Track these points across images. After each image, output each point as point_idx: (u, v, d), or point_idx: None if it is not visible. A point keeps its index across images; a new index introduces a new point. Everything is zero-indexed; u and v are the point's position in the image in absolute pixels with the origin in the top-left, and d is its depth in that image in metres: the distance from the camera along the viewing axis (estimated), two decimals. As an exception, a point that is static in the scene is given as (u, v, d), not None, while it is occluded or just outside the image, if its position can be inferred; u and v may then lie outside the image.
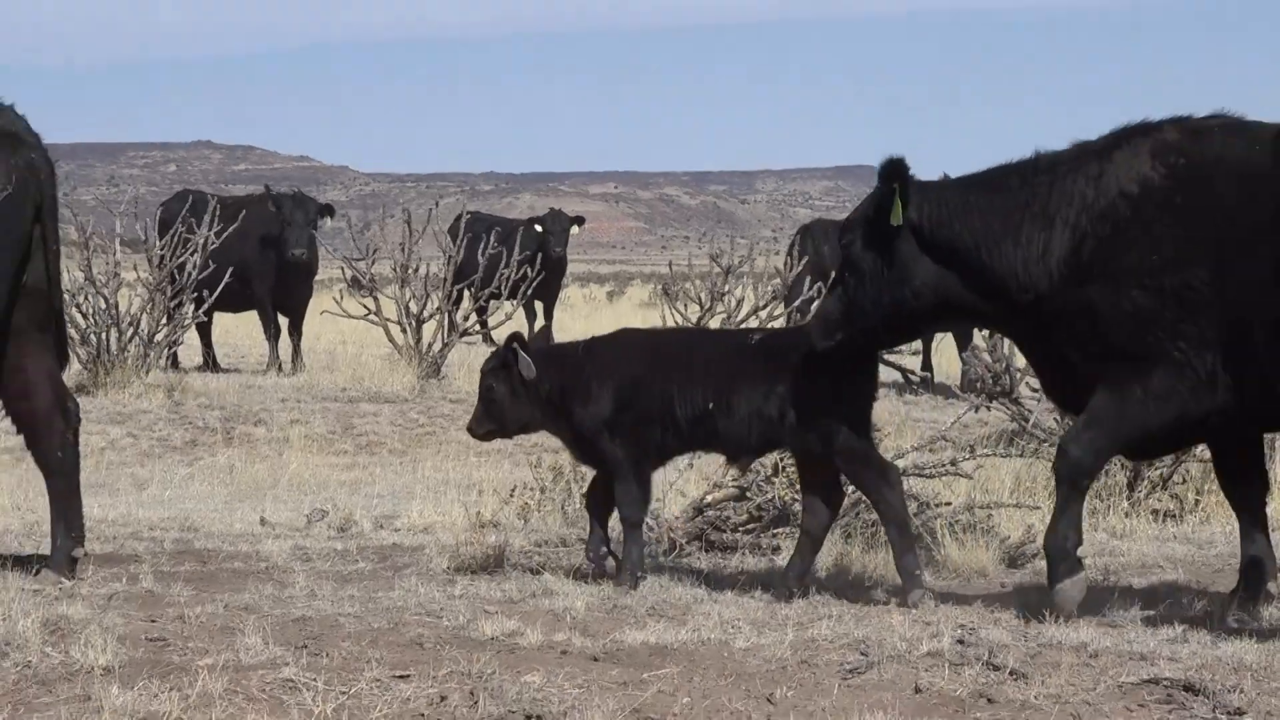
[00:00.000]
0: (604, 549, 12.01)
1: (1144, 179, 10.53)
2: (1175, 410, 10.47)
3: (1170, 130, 10.68)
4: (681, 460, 15.47)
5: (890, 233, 10.78)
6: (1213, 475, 15.04)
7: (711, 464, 13.79)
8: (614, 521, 11.70)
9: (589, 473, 14.41)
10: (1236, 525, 11.33)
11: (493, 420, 12.21)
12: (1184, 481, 15.07)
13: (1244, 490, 11.19)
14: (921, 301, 10.89)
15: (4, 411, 12.06)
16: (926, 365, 27.53)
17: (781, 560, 12.25)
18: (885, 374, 20.07)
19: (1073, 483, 10.78)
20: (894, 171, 10.76)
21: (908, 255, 10.79)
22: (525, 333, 12.43)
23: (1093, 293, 10.49)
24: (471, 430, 12.49)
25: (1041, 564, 11.58)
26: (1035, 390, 16.00)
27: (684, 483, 13.74)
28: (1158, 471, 15.01)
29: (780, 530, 12.79)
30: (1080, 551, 10.83)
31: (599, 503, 12.02)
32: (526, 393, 11.95)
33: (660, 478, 14.07)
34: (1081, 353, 10.63)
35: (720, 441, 11.96)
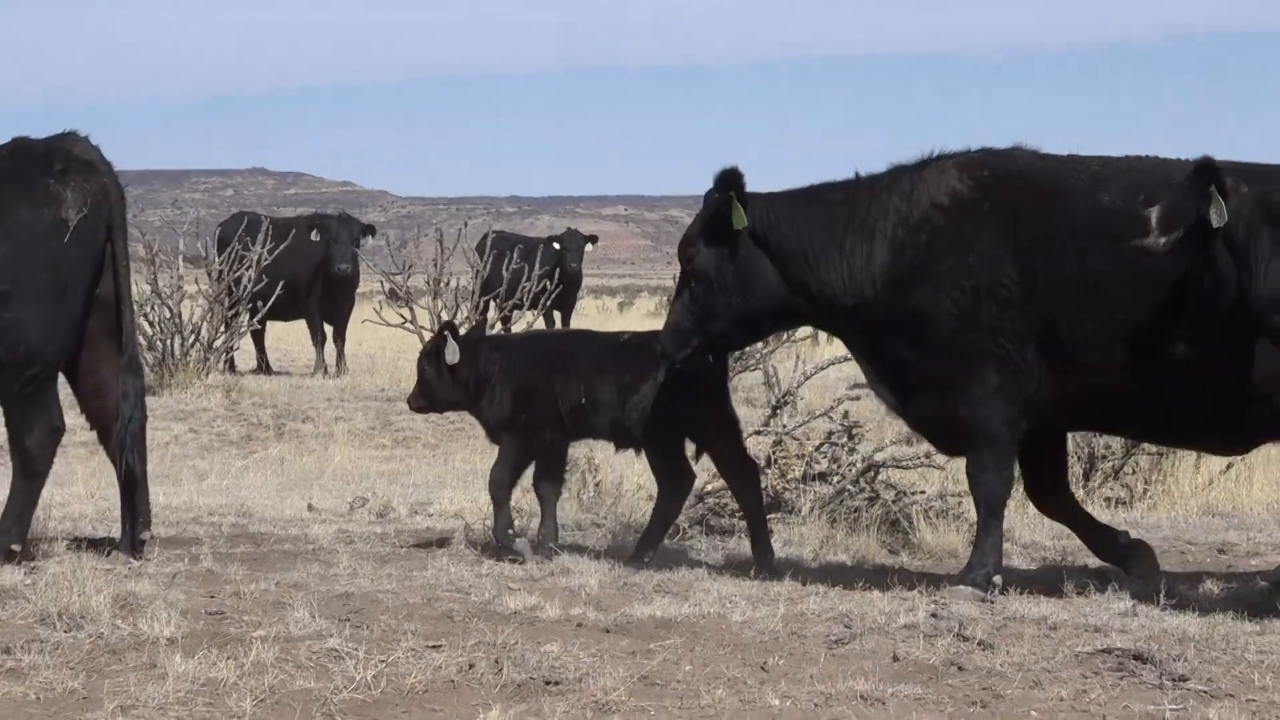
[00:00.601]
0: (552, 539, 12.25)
1: (953, 191, 10.70)
2: (1016, 400, 10.62)
3: (974, 153, 10.92)
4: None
5: (731, 240, 10.82)
6: (1159, 466, 15.13)
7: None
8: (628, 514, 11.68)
9: (603, 465, 14.44)
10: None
11: (425, 397, 12.66)
12: (1134, 472, 15.07)
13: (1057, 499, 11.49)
14: (764, 304, 10.95)
15: (79, 409, 12.09)
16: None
17: (774, 547, 12.26)
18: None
19: (991, 507, 10.86)
20: (730, 180, 10.78)
21: (747, 260, 10.83)
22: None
23: (918, 297, 10.61)
24: (409, 403, 12.93)
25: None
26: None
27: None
28: (1110, 464, 15.00)
29: (772, 515, 12.78)
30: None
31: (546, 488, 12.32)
32: (451, 376, 12.28)
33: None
34: (916, 352, 10.73)
35: (596, 433, 12.39)
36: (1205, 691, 8.42)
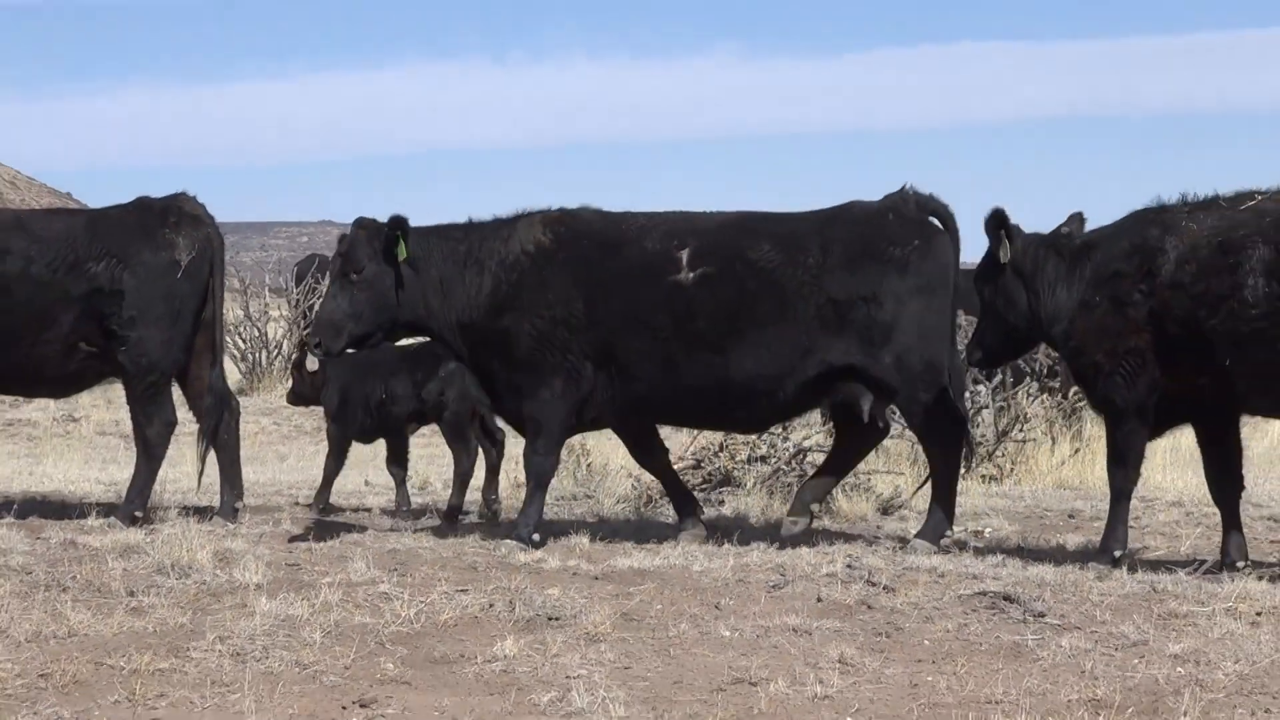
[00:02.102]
0: (406, 506, 12.72)
1: (538, 241, 10.96)
2: (573, 402, 10.91)
3: (553, 211, 11.20)
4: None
5: (394, 264, 10.84)
6: (1023, 451, 15.14)
7: (678, 441, 13.75)
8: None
9: (594, 450, 14.40)
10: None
11: (296, 394, 13.13)
12: (1004, 455, 15.06)
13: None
14: (406, 315, 10.97)
15: (188, 407, 12.12)
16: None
17: (724, 510, 12.24)
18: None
19: (539, 480, 11.05)
20: (397, 223, 10.80)
21: (397, 281, 10.84)
22: None
23: (508, 321, 10.84)
24: (287, 399, 13.54)
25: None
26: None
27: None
28: (984, 449, 15.00)
29: (723, 489, 12.78)
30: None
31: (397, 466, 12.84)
32: (311, 380, 12.63)
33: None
34: (504, 365, 10.94)
35: (401, 420, 12.72)
36: (1059, 625, 8.42)
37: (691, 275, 10.75)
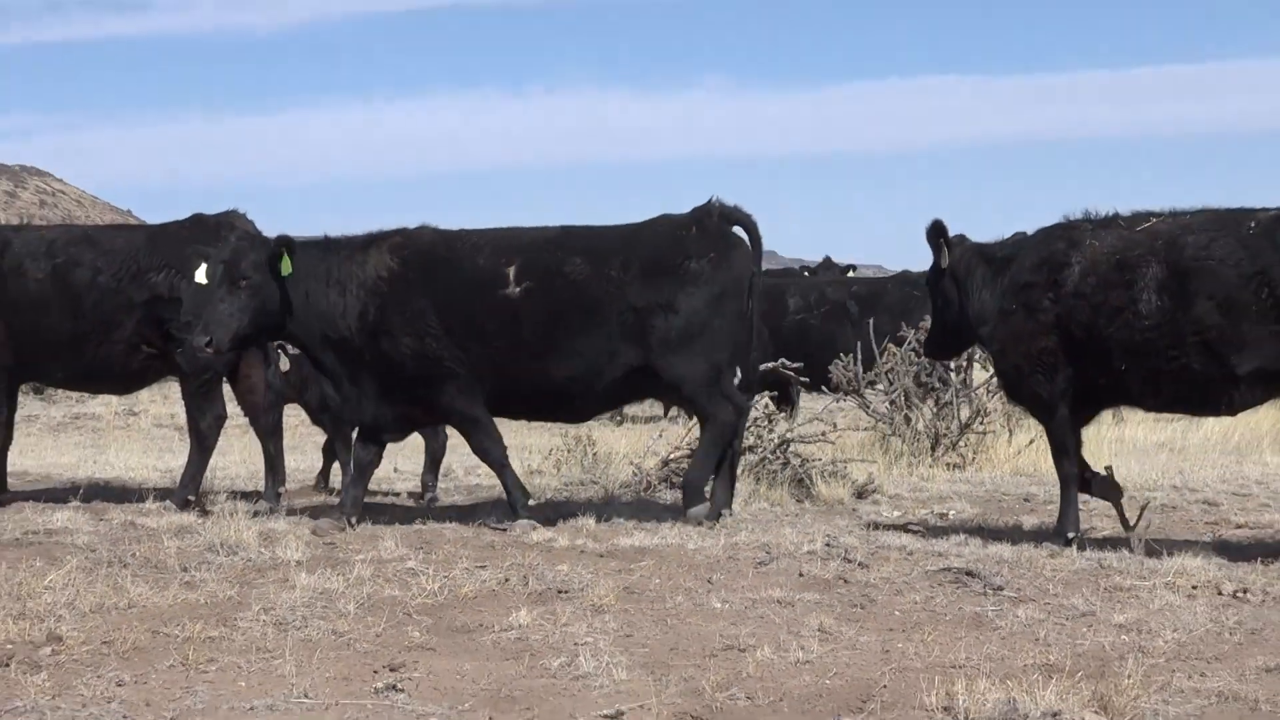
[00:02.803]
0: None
1: (389, 266, 10.84)
2: (472, 393, 10.85)
3: (396, 234, 11.09)
4: (655, 430, 15.41)
5: (278, 278, 10.64)
6: (983, 441, 15.14)
7: (673, 432, 13.75)
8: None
9: (600, 440, 14.38)
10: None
11: (276, 394, 12.69)
12: (966, 445, 15.07)
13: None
14: (281, 323, 10.77)
15: (237, 402, 12.14)
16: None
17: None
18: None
19: (501, 463, 11.02)
20: (284, 242, 10.69)
21: (278, 293, 10.65)
22: None
23: (384, 342, 10.74)
24: None
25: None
26: (875, 388, 16.01)
27: (657, 446, 13.69)
28: (948, 440, 15.01)
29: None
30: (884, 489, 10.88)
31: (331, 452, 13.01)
32: (284, 379, 12.60)
33: (636, 443, 14.06)
34: (395, 375, 10.78)
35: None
36: (1015, 597, 8.41)
37: (518, 290, 10.73)
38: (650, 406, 22.47)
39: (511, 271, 10.78)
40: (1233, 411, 10.13)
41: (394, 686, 6.46)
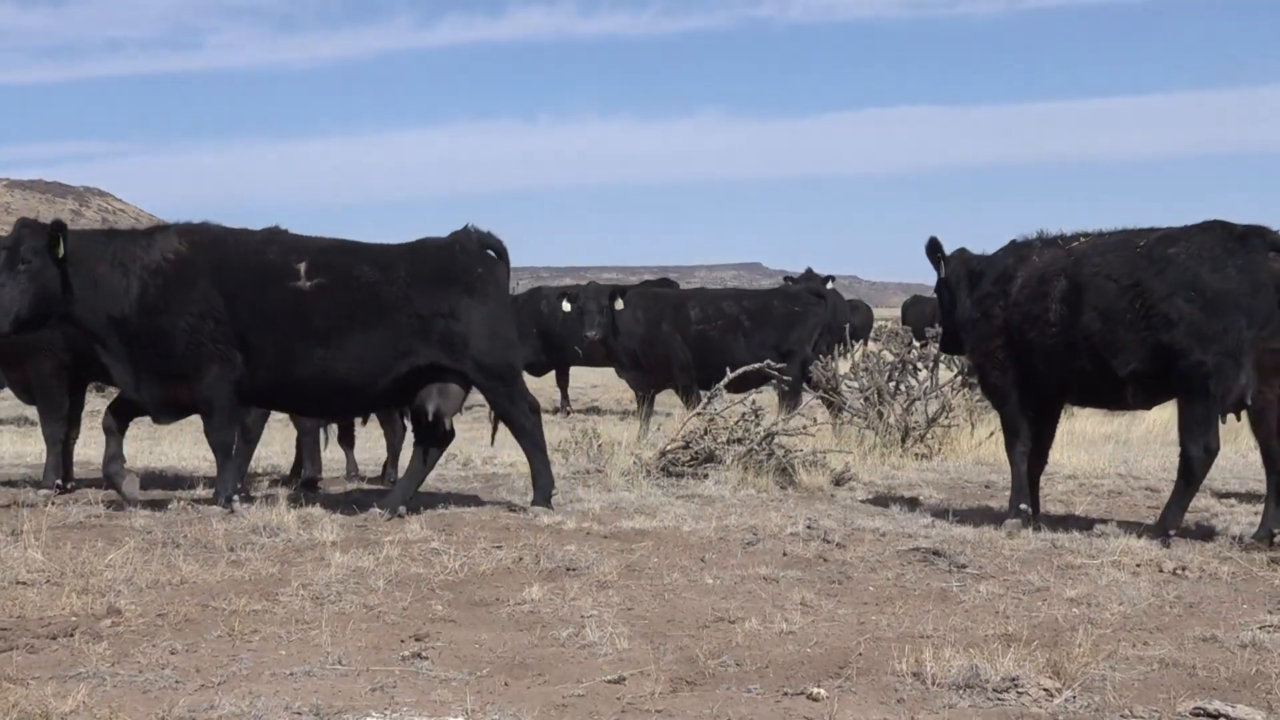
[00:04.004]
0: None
1: (176, 249, 10.50)
2: (232, 382, 10.43)
3: (184, 225, 10.74)
4: (653, 424, 15.39)
5: (56, 262, 10.26)
6: (948, 433, 15.13)
7: (671, 424, 13.73)
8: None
9: (604, 431, 14.37)
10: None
11: None
12: (933, 437, 15.06)
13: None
14: (65, 307, 10.34)
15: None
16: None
17: (707, 482, 12.20)
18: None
19: (224, 451, 10.67)
20: (58, 225, 10.32)
21: (59, 276, 10.27)
22: None
23: (163, 321, 10.38)
24: None
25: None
26: (852, 386, 16.01)
27: (655, 438, 13.69)
28: (916, 432, 15.02)
29: (707, 465, 12.75)
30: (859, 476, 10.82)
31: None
32: None
33: (639, 434, 14.03)
34: (163, 357, 10.41)
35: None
36: (977, 574, 8.42)
37: (309, 283, 10.46)
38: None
39: (303, 267, 10.49)
40: (1132, 407, 10.41)
41: (419, 654, 6.45)
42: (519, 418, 10.79)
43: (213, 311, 10.36)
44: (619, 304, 16.57)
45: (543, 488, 10.79)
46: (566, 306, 17.04)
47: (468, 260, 10.80)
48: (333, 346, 10.44)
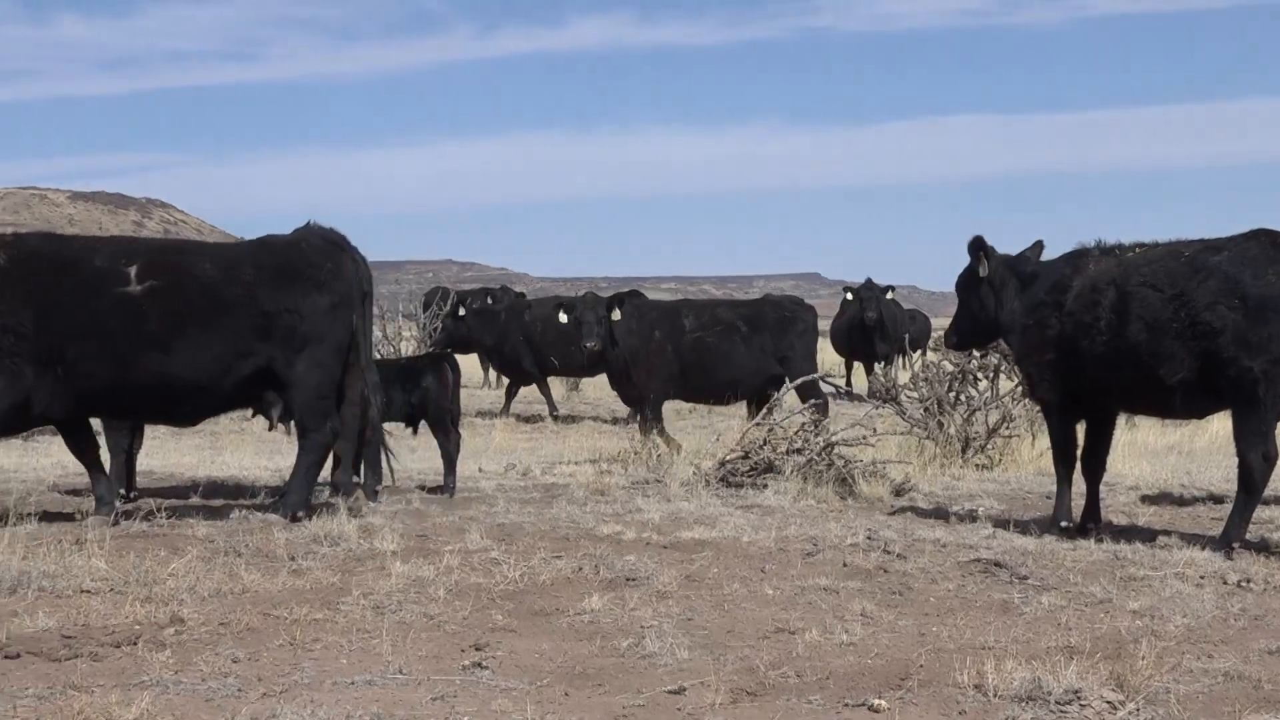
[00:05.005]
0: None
1: None
2: (15, 399, 9.98)
3: (7, 235, 10.41)
4: (711, 435, 15.38)
5: None
6: (1009, 444, 15.05)
7: (732, 435, 13.72)
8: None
9: (660, 440, 14.36)
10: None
11: None
12: (994, 447, 15.00)
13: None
14: None
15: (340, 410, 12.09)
16: (848, 382, 27.37)
17: (767, 495, 12.18)
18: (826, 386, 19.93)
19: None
20: None
21: None
22: None
23: None
24: None
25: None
26: (912, 396, 15.95)
27: (714, 448, 13.68)
28: (977, 443, 14.96)
29: (767, 475, 12.72)
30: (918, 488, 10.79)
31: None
32: None
33: (697, 444, 14.05)
34: None
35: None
36: (1039, 585, 8.37)
37: (140, 287, 10.18)
38: (708, 415, 22.45)
39: (134, 271, 10.19)
40: (1183, 416, 10.46)
41: (479, 664, 6.47)
42: (313, 423, 10.66)
43: (17, 325, 10.00)
44: (616, 314, 16.33)
45: (291, 504, 10.54)
46: (563, 318, 16.81)
47: (315, 257, 10.70)
48: (171, 350, 10.21)
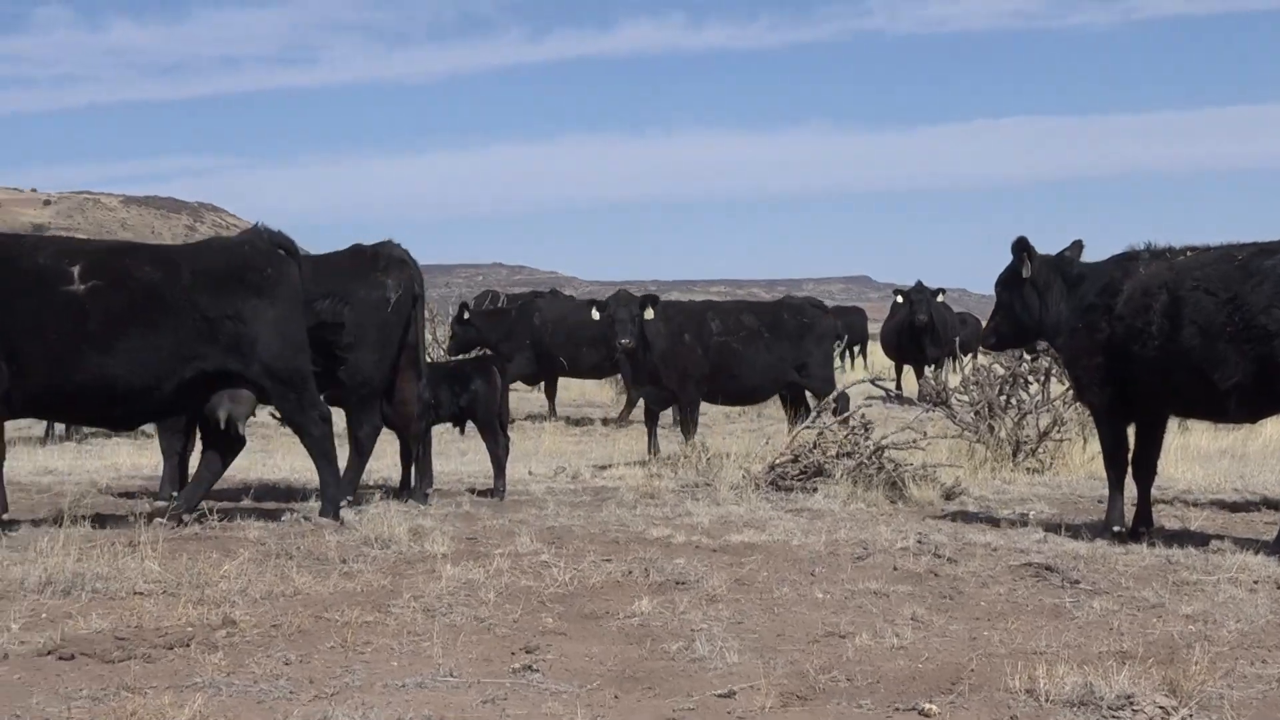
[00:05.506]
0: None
1: None
2: None
3: None
4: (761, 439, 15.35)
5: None
6: (1060, 448, 14.98)
7: (781, 439, 13.71)
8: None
9: (712, 445, 14.36)
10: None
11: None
12: (1045, 451, 14.94)
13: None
14: None
15: (392, 413, 12.17)
16: (899, 386, 27.29)
17: (817, 499, 12.16)
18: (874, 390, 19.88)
19: None
20: None
21: None
22: None
23: None
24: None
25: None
26: (962, 399, 15.90)
27: (764, 451, 13.67)
28: (1028, 446, 14.89)
29: (817, 478, 12.71)
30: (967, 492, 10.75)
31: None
32: None
33: (746, 447, 14.03)
34: None
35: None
36: (1091, 590, 8.32)
37: (83, 287, 10.03)
38: (756, 419, 22.43)
39: (77, 270, 10.06)
40: (1236, 420, 10.30)
41: (530, 667, 6.47)
42: (309, 426, 10.64)
43: None
44: (649, 313, 16.17)
45: (331, 499, 10.67)
46: (595, 315, 16.69)
47: (257, 260, 10.60)
48: (111, 352, 10.09)
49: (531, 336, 23.35)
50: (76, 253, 10.33)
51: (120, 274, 10.22)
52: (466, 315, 24.21)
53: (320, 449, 10.73)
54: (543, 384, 25.03)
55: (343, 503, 11.03)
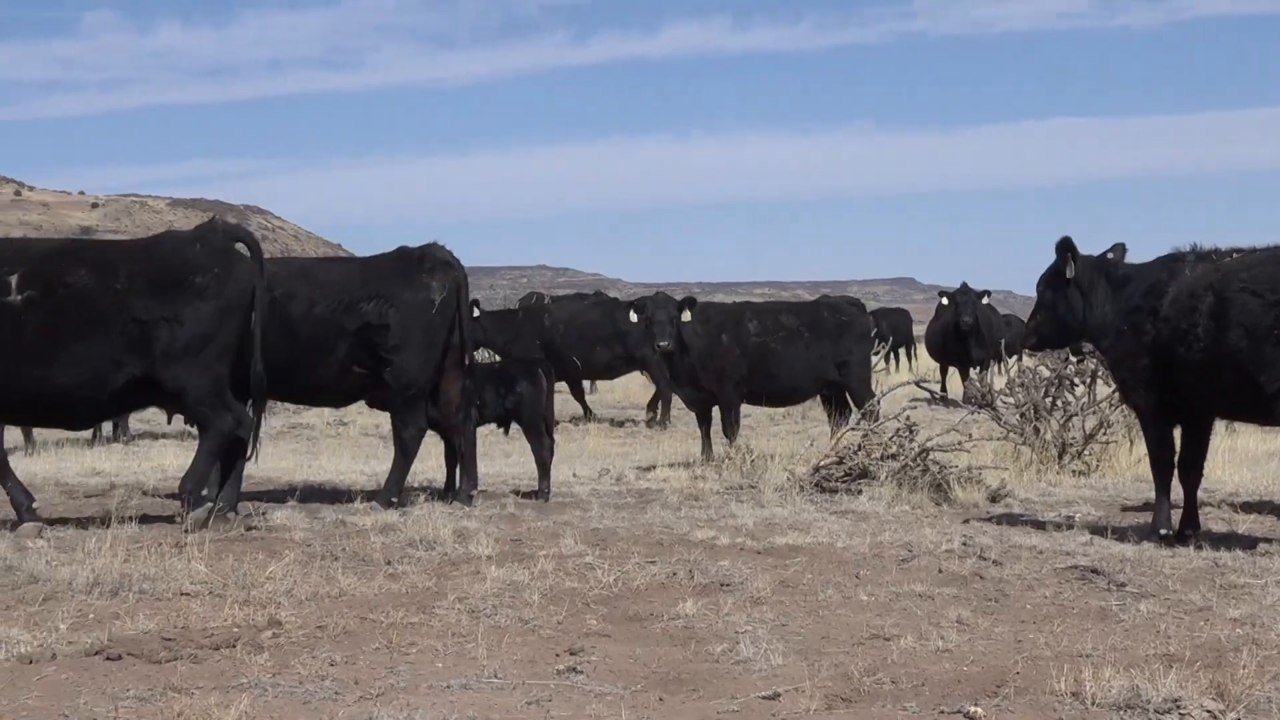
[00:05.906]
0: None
1: None
2: None
3: None
4: (805, 441, 15.33)
5: None
6: (1106, 450, 14.89)
7: (825, 440, 13.69)
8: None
9: (757, 447, 14.34)
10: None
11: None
12: (1091, 454, 14.86)
13: None
14: None
15: (437, 413, 12.19)
16: (944, 388, 27.18)
17: (862, 501, 12.13)
18: (918, 391, 19.81)
19: None
20: None
21: None
22: None
23: None
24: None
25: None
26: (1008, 401, 15.84)
27: (809, 453, 13.65)
28: (1074, 449, 14.82)
29: (861, 480, 12.68)
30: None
31: None
32: None
33: (790, 449, 14.02)
34: None
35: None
36: (1137, 593, 8.28)
37: (20, 298, 9.99)
38: (800, 421, 22.39)
39: (14, 280, 9.99)
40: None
41: (574, 668, 6.48)
42: (223, 428, 10.46)
43: None
44: (686, 315, 16.08)
45: (192, 491, 10.43)
46: (634, 317, 16.59)
47: (201, 260, 10.40)
48: (41, 358, 10.04)
49: (542, 338, 23.34)
50: (17, 261, 10.24)
51: (53, 277, 10.16)
52: (476, 314, 24.27)
53: (211, 450, 10.49)
54: (566, 385, 25.01)
55: (393, 500, 11.14)
